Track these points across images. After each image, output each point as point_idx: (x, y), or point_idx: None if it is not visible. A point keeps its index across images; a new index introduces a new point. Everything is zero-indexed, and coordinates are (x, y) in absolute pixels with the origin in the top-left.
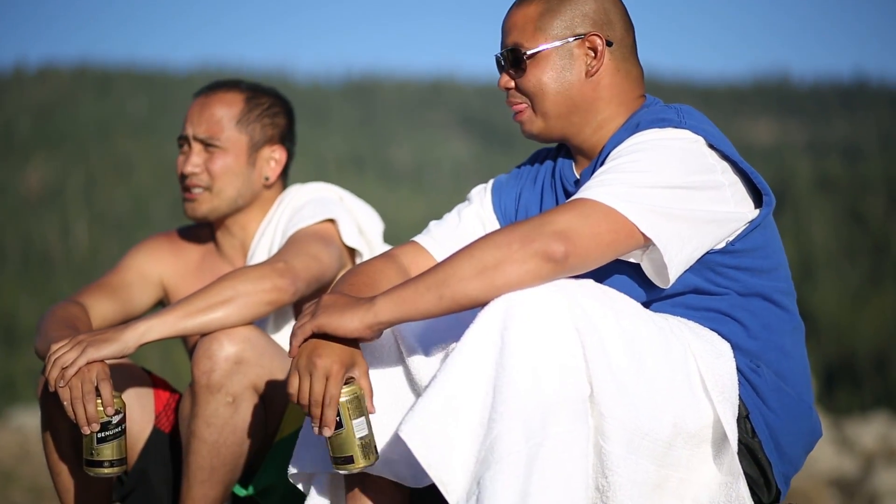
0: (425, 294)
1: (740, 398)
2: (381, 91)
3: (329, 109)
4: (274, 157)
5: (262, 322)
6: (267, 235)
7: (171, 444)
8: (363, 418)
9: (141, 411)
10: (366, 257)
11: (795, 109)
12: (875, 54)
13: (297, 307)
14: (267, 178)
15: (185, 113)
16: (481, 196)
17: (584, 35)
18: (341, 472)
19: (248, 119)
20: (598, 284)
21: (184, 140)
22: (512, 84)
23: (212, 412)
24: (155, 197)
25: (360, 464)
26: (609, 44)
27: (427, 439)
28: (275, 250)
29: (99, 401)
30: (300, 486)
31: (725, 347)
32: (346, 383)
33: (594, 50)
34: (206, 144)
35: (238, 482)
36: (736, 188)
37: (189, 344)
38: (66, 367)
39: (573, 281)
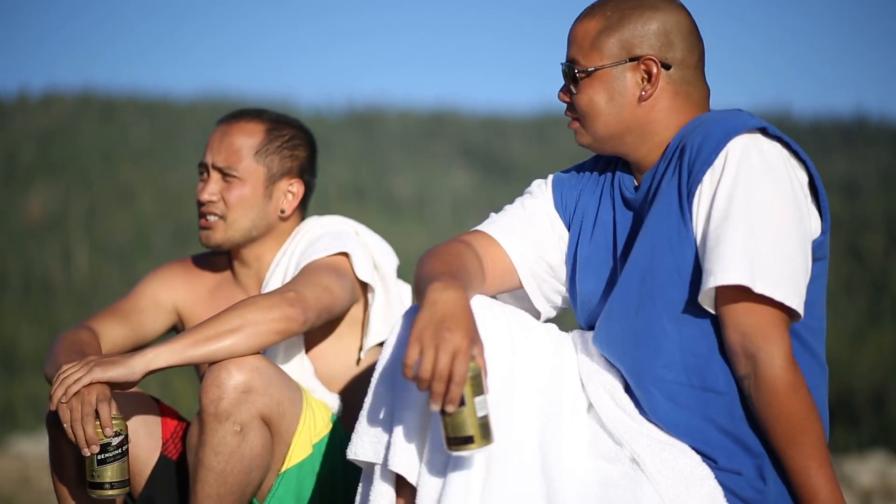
0: None
1: None
2: (383, 122)
3: (332, 139)
4: (291, 191)
5: (272, 351)
6: (281, 266)
7: (178, 471)
8: (483, 397)
9: (148, 438)
10: (378, 292)
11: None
12: (876, 92)
13: (308, 337)
14: (283, 212)
15: (206, 139)
16: (542, 189)
17: (640, 57)
18: (457, 453)
19: (267, 150)
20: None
21: (203, 167)
22: (568, 99)
23: (219, 441)
24: (157, 225)
25: (479, 444)
26: (666, 67)
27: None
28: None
29: (98, 422)
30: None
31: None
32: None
33: (648, 73)
34: (224, 174)
35: None
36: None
37: (200, 372)
38: (70, 386)
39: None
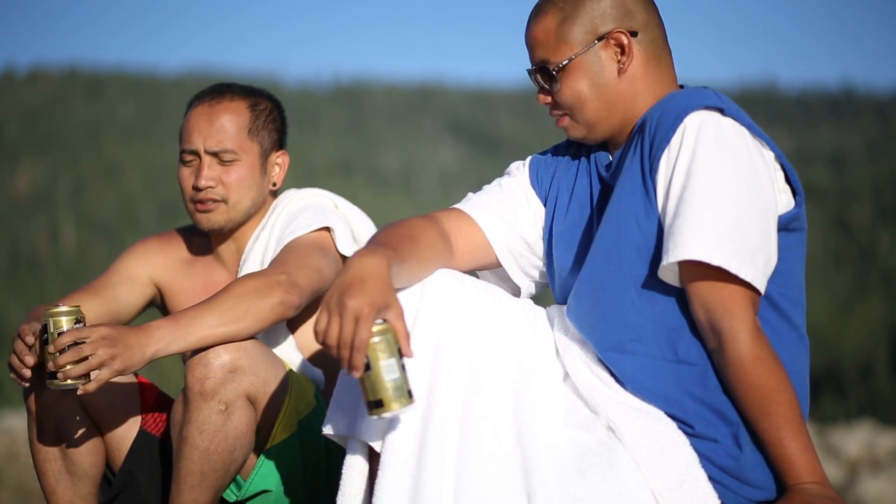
0: None
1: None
2: (369, 96)
3: (318, 114)
4: (278, 163)
5: None
6: (261, 240)
7: (161, 448)
8: (393, 360)
9: (125, 412)
10: None
11: (782, 117)
12: (862, 63)
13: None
14: (274, 185)
15: (186, 125)
16: (520, 168)
17: (608, 34)
18: (374, 416)
19: (257, 127)
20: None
21: (193, 154)
22: (549, 99)
23: (204, 419)
24: (143, 200)
25: (391, 407)
26: (634, 34)
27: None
28: (268, 255)
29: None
30: (338, 441)
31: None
32: (377, 324)
33: (621, 46)
34: (221, 157)
35: (228, 488)
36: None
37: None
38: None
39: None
